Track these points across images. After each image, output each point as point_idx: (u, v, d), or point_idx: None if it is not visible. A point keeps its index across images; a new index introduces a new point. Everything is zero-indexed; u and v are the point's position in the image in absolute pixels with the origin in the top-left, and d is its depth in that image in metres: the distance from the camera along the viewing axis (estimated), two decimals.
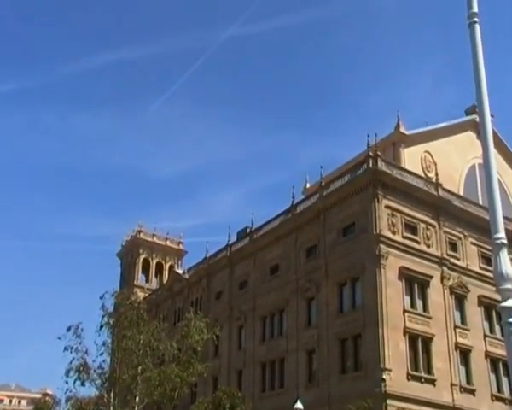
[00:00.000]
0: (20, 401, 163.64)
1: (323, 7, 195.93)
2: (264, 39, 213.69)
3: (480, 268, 52.40)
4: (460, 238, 52.72)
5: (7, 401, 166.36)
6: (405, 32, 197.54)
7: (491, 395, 49.37)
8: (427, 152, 58.47)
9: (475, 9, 9.78)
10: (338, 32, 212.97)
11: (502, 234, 8.44)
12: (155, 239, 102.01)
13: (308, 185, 67.00)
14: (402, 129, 57.70)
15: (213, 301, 65.63)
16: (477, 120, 45.70)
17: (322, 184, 54.45)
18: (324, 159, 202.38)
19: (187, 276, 73.07)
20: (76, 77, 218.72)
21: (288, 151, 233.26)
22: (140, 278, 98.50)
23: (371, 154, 49.22)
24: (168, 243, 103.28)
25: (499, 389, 50.17)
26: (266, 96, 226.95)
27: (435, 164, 56.37)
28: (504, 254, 8.36)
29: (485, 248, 51.07)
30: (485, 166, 9.01)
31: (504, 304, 8.07)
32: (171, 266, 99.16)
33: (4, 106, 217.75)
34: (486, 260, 51.30)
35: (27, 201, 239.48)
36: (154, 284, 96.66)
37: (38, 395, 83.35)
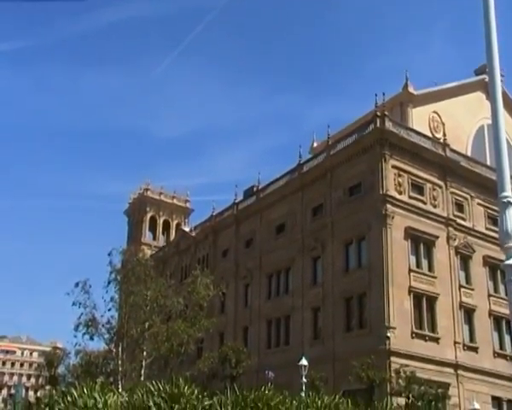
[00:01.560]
0: (31, 353, 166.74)
1: None
2: None
3: (486, 229, 52.46)
4: (466, 199, 52.67)
5: (19, 352, 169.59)
6: None
7: (494, 352, 49.98)
8: (435, 112, 58.13)
9: None
10: None
11: (508, 193, 8.50)
12: (162, 197, 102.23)
13: (315, 144, 66.85)
14: (410, 89, 57.30)
15: (220, 259, 66.01)
16: (486, 79, 45.47)
17: (329, 143, 54.28)
18: (332, 119, 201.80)
19: (194, 233, 73.41)
20: (83, 36, 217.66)
21: (296, 111, 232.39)
22: (147, 236, 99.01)
23: (379, 113, 48.94)
24: (175, 201, 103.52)
25: (501, 347, 50.83)
26: (274, 56, 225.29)
27: (443, 124, 56.04)
28: (510, 212, 8.43)
29: (492, 209, 51.07)
30: (494, 125, 9.03)
31: (508, 262, 8.16)
32: (178, 224, 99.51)
33: (11, 65, 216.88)
34: (492, 220, 51.35)
35: (37, 160, 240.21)
36: (161, 241, 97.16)
37: (49, 348, 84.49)
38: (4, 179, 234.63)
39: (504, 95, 59.69)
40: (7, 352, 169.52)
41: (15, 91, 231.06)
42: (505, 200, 8.45)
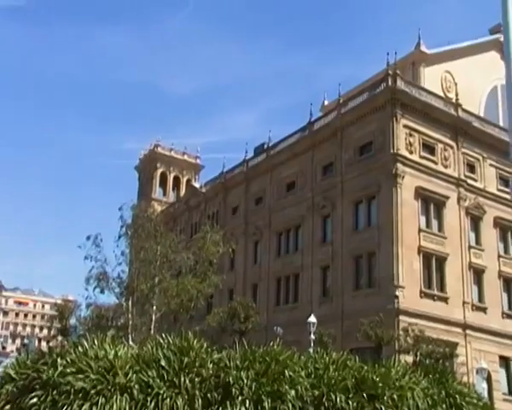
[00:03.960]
0: (43, 306, 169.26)
1: None
2: None
3: (498, 190, 52.25)
4: (478, 160, 52.39)
5: (31, 304, 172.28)
6: None
7: (502, 312, 50.22)
8: (447, 72, 57.53)
9: None
10: None
11: None
12: (173, 153, 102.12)
13: (326, 103, 66.39)
14: (423, 47, 56.72)
15: (229, 216, 66.21)
16: (501, 39, 44.89)
17: (340, 101, 53.91)
18: (344, 78, 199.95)
19: (204, 190, 73.52)
20: None
21: (308, 70, 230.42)
22: (157, 192, 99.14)
23: (390, 72, 48.51)
24: (185, 157, 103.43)
25: (510, 307, 51.14)
26: (285, 14, 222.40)
27: (456, 84, 55.47)
28: None
29: (504, 170, 50.90)
30: (508, 85, 8.95)
31: None
32: (189, 181, 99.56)
33: (22, 20, 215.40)
34: (504, 181, 51.22)
35: (50, 115, 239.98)
36: (171, 197, 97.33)
37: (60, 301, 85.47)
38: (20, 132, 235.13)
39: None
40: (20, 303, 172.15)
41: (27, 47, 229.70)
42: None
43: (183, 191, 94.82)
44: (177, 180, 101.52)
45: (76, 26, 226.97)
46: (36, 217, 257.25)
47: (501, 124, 54.94)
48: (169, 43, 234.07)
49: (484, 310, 48.88)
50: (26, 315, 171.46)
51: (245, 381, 9.65)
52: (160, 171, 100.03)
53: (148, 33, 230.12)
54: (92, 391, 9.08)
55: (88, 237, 31.86)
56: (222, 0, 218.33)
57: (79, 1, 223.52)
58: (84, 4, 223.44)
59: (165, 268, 32.83)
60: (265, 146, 63.62)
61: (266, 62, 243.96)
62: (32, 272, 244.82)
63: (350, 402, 10.20)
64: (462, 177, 50.44)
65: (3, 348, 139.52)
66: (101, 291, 32.67)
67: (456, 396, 12.22)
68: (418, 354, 37.53)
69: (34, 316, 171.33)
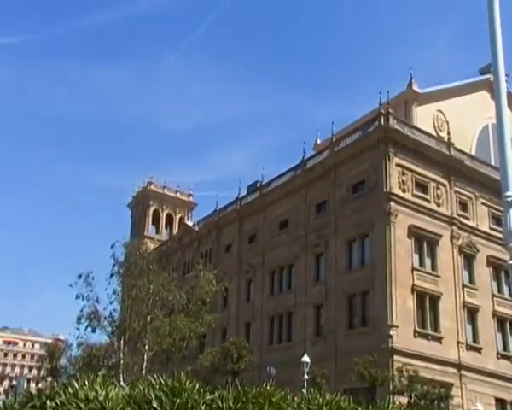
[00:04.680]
0: (33, 345, 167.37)
1: None
2: None
3: (490, 228, 52.40)
4: (471, 198, 52.59)
5: (21, 344, 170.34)
6: None
7: (497, 353, 49.86)
8: (439, 111, 58.04)
9: None
10: None
11: None
12: (166, 191, 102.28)
13: (319, 141, 66.75)
14: (415, 87, 57.27)
15: (223, 254, 66.02)
16: (491, 79, 45.44)
17: (334, 140, 54.16)
18: (336, 118, 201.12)
19: (197, 228, 73.41)
20: (89, 30, 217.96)
21: (300, 110, 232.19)
22: (150, 230, 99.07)
23: (383, 111, 48.87)
24: (178, 195, 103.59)
25: (505, 348, 50.69)
26: (279, 53, 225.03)
27: (447, 123, 55.96)
28: None
29: (496, 209, 51.03)
30: (498, 125, 9.02)
31: None
32: (182, 219, 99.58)
33: (18, 57, 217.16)
34: (496, 220, 51.33)
35: (41, 151, 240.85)
36: (164, 235, 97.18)
37: (51, 340, 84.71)
38: (8, 171, 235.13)
39: (509, 95, 59.47)
40: (9, 343, 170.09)
41: (24, 84, 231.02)
42: (509, 199, 8.46)
43: (176, 229, 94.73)
44: (170, 218, 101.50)
45: (70, 63, 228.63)
46: (26, 255, 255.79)
47: (492, 163, 55.24)
48: (164, 80, 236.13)
49: (479, 350, 48.53)
50: (15, 355, 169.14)
51: None
52: (152, 208, 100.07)
53: (143, 71, 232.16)
54: None
55: (80, 276, 31.79)
56: (216, 39, 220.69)
57: (77, 38, 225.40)
58: (80, 41, 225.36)
59: (157, 307, 32.69)
60: (259, 184, 63.73)
61: (260, 100, 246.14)
62: (22, 310, 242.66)
63: None
64: (455, 215, 50.55)
65: None
66: (93, 330, 32.49)
67: None
68: (413, 395, 37.15)
69: (24, 356, 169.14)
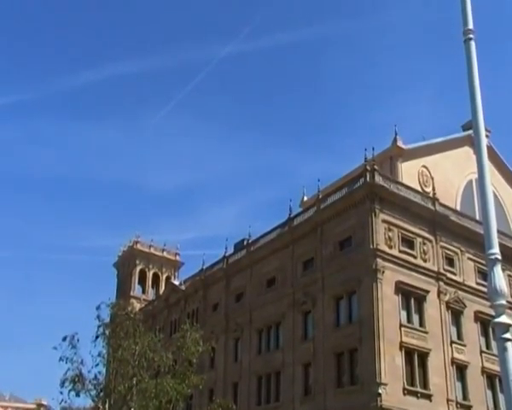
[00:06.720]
0: None
1: (322, 25, 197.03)
2: (263, 56, 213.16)
3: (477, 284, 52.32)
4: (457, 253, 52.70)
5: None
6: (403, 51, 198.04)
7: None
8: (424, 167, 58.59)
9: (470, 26, 9.88)
10: (336, 51, 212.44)
11: (496, 249, 8.49)
12: (152, 250, 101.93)
13: (305, 198, 66.98)
14: (399, 143, 57.82)
15: (210, 313, 65.47)
16: (473, 135, 46.07)
17: (320, 197, 54.42)
18: (322, 174, 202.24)
19: (183, 287, 72.94)
20: (76, 90, 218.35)
21: (286, 167, 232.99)
22: (136, 289, 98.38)
23: (368, 168, 49.26)
24: (165, 254, 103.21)
25: (496, 406, 49.74)
26: (265, 112, 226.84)
27: (432, 179, 56.47)
28: (498, 269, 8.40)
29: (482, 264, 50.92)
30: (480, 181, 9.08)
31: (498, 320, 8.10)
32: (168, 278, 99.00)
33: (3, 118, 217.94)
34: (483, 275, 51.25)
35: (25, 211, 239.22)
36: (150, 295, 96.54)
37: (33, 406, 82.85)
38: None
39: (491, 150, 60.40)
40: None
41: (5, 143, 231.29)
42: (493, 257, 8.44)
43: (162, 288, 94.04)
44: (156, 277, 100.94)
45: (56, 122, 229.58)
46: (7, 316, 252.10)
47: (477, 217, 55.47)
48: (151, 138, 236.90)
49: (469, 408, 47.83)
50: None
51: None
52: (139, 268, 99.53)
53: (131, 129, 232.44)
54: None
55: (64, 338, 31.24)
56: (202, 98, 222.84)
57: (62, 99, 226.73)
58: (66, 102, 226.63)
59: (143, 368, 32.16)
60: (245, 242, 63.67)
61: (246, 158, 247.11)
62: (3, 375, 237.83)
63: None
64: (442, 270, 50.55)
65: None
66: (77, 394, 31.73)
67: None
68: None
69: None
